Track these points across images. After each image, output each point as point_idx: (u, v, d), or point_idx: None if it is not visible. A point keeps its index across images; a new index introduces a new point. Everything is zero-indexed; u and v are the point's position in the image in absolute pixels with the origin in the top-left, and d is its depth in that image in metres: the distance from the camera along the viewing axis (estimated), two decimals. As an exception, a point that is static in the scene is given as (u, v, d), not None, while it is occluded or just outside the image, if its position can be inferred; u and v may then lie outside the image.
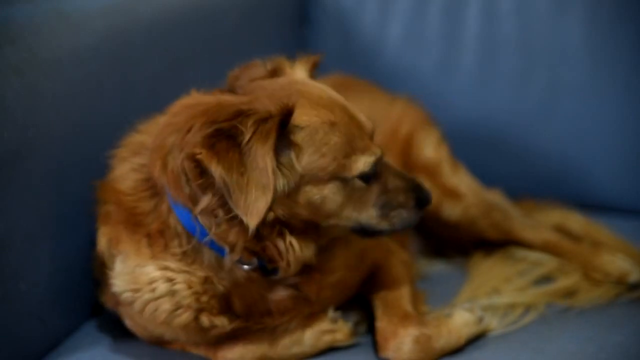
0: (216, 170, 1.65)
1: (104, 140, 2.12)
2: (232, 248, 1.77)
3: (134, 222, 1.87)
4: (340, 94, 2.27)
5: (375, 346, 1.96)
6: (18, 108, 1.90)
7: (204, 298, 1.84)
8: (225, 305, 1.86)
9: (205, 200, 1.72)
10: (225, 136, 1.67)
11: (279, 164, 1.71)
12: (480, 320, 2.02)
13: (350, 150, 1.78)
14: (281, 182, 1.71)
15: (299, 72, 1.93)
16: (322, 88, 1.85)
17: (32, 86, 1.94)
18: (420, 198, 1.90)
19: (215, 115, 1.73)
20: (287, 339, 1.93)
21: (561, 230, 2.47)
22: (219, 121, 1.70)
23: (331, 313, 1.98)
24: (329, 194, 1.78)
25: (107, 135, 2.12)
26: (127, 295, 1.87)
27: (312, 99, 1.79)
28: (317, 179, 1.76)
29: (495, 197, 2.45)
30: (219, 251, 1.80)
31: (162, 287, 1.84)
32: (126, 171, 1.90)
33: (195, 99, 1.84)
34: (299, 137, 1.74)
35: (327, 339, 1.97)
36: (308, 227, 1.81)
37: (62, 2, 2.12)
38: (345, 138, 1.77)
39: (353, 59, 2.88)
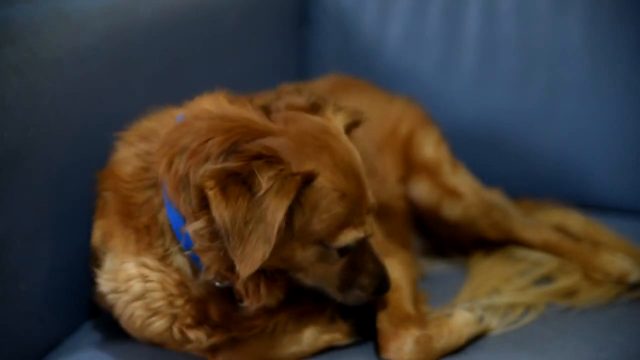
0: (222, 214, 1.63)
1: (104, 140, 2.12)
2: (208, 269, 1.76)
3: (127, 213, 1.85)
4: (340, 94, 2.26)
5: (375, 347, 1.96)
6: (18, 108, 1.90)
7: (179, 302, 1.83)
8: (202, 313, 1.85)
9: (199, 224, 1.70)
10: (240, 181, 1.65)
11: None
12: (480, 319, 2.02)
13: (345, 223, 1.75)
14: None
15: (337, 122, 1.86)
16: (348, 150, 1.80)
17: (32, 86, 1.94)
18: (380, 287, 1.88)
19: (237, 138, 1.71)
20: (286, 338, 1.93)
21: (561, 230, 2.46)
22: (239, 152, 1.68)
23: (330, 312, 1.98)
24: (309, 256, 1.78)
25: (107, 135, 2.12)
26: (110, 297, 1.87)
27: (334, 160, 1.75)
28: (304, 239, 1.75)
29: (495, 196, 2.45)
30: (198, 264, 1.79)
31: (136, 286, 1.83)
32: (129, 156, 1.88)
33: (222, 107, 1.80)
34: (307, 198, 1.71)
35: (326, 339, 1.96)
36: (277, 273, 1.81)
37: (62, 2, 2.12)
38: (347, 210, 1.75)
39: (353, 59, 2.88)
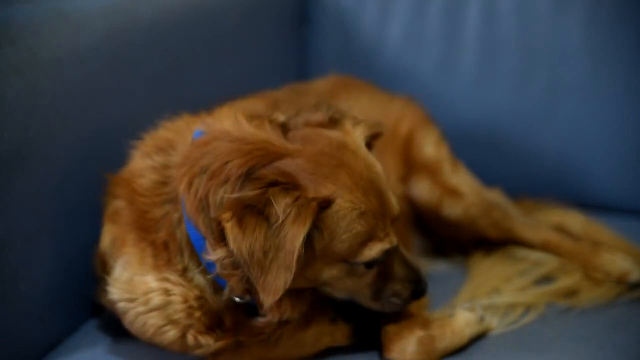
0: (239, 246, 1.64)
1: (104, 140, 2.13)
2: (232, 289, 1.78)
3: (142, 227, 1.85)
4: (340, 94, 2.26)
5: (376, 348, 1.96)
6: (18, 108, 1.90)
7: (197, 314, 1.84)
8: (215, 321, 1.86)
9: (220, 253, 1.71)
10: (256, 211, 1.65)
11: None
12: (481, 319, 2.02)
13: (367, 239, 1.76)
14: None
15: (356, 136, 1.85)
16: (367, 164, 1.79)
17: (32, 86, 1.94)
18: (417, 290, 1.89)
19: (256, 161, 1.71)
20: (287, 340, 1.93)
21: (561, 229, 2.46)
22: (256, 178, 1.68)
23: (331, 313, 1.98)
24: (335, 274, 1.79)
25: (107, 135, 2.12)
26: (121, 305, 1.87)
27: (353, 179, 1.74)
28: (327, 259, 1.75)
29: (495, 196, 2.45)
30: (221, 283, 1.80)
31: (157, 299, 1.84)
32: (145, 167, 1.88)
33: (241, 127, 1.79)
34: (326, 221, 1.71)
35: (326, 341, 1.96)
36: (303, 290, 1.81)
37: (62, 2, 2.12)
38: (368, 227, 1.75)
39: (353, 59, 2.88)
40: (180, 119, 1.96)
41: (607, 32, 2.61)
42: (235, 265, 1.71)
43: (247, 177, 1.70)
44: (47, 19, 2.04)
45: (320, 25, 2.92)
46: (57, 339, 2.06)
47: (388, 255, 1.82)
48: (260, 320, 1.86)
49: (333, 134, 1.82)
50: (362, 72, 2.72)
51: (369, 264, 1.80)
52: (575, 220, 2.52)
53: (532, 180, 2.73)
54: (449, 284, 2.28)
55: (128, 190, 1.88)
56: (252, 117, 1.83)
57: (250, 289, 1.76)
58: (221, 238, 1.70)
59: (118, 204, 1.90)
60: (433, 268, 2.39)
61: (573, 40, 2.63)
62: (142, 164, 1.89)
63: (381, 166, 1.84)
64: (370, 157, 1.83)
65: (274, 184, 1.68)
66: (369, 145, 1.89)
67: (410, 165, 2.42)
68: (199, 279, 1.83)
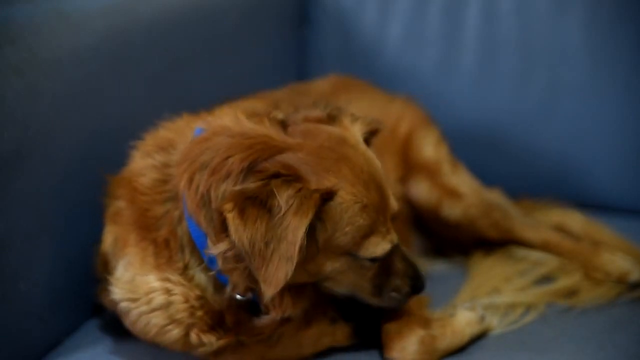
0: (241, 237, 1.64)
1: (104, 140, 2.13)
2: (235, 285, 1.78)
3: (144, 225, 1.85)
4: (340, 94, 2.26)
5: (376, 348, 1.96)
6: (18, 108, 1.90)
7: (199, 313, 1.84)
8: (217, 320, 1.86)
9: (222, 247, 1.71)
10: (258, 202, 1.65)
11: None
12: (482, 319, 2.02)
13: (370, 232, 1.76)
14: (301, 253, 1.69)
15: (355, 132, 1.86)
16: (367, 159, 1.80)
17: (32, 86, 1.94)
18: (416, 285, 1.89)
19: (257, 155, 1.71)
20: (288, 339, 1.93)
21: (561, 229, 2.46)
22: (258, 171, 1.69)
23: (331, 313, 1.98)
24: (338, 267, 1.79)
25: (107, 135, 2.12)
26: (124, 305, 1.87)
27: (354, 172, 1.75)
28: (330, 252, 1.76)
29: (495, 196, 2.45)
30: (223, 280, 1.80)
31: (159, 298, 1.84)
32: (146, 167, 1.88)
33: (241, 123, 1.80)
34: (329, 213, 1.71)
35: (327, 341, 1.97)
36: (304, 285, 1.81)
37: (62, 2, 2.12)
38: (370, 220, 1.75)
39: (353, 59, 2.88)
40: (180, 118, 1.96)
41: (607, 32, 2.61)
42: (238, 258, 1.71)
43: (249, 171, 1.70)
44: (47, 19, 2.04)
45: (320, 25, 2.92)
46: (57, 339, 2.06)
47: (390, 250, 1.83)
48: (262, 320, 1.86)
49: (332, 129, 1.82)
50: (362, 72, 2.72)
51: (373, 259, 1.80)
52: (575, 220, 2.52)
53: (532, 180, 2.73)
54: (449, 283, 2.28)
55: (129, 189, 1.88)
56: (251, 115, 1.83)
57: (252, 285, 1.76)
58: (223, 230, 1.70)
59: (119, 205, 1.90)
60: (433, 268, 2.39)
61: (573, 40, 2.63)
62: (142, 163, 1.89)
63: (380, 165, 1.84)
64: (369, 152, 1.84)
65: (276, 175, 1.68)
66: (367, 141, 1.89)
67: (410, 165, 2.42)
68: (200, 277, 1.83)
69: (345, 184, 1.72)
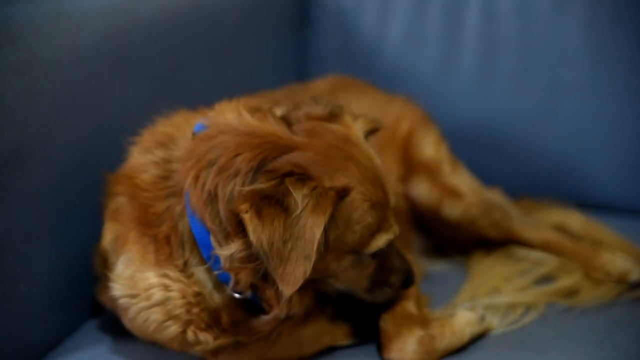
0: (259, 237, 1.64)
1: (104, 140, 2.12)
2: (238, 282, 1.77)
3: (145, 222, 1.85)
4: (339, 94, 2.26)
5: (375, 347, 1.96)
6: (18, 108, 1.90)
7: (195, 310, 1.84)
8: (214, 319, 1.86)
9: (233, 248, 1.71)
10: (274, 201, 1.65)
11: None
12: (482, 319, 2.02)
13: (376, 230, 1.78)
14: None
15: (357, 129, 1.87)
16: (370, 157, 1.82)
17: (32, 86, 1.94)
18: (407, 280, 1.91)
19: (266, 154, 1.71)
20: (287, 339, 1.93)
21: (561, 229, 2.46)
22: (270, 170, 1.68)
23: (330, 312, 1.98)
24: (343, 265, 1.80)
25: (107, 135, 2.12)
26: (124, 301, 1.87)
27: (361, 170, 1.76)
28: (338, 251, 1.76)
29: (495, 196, 2.45)
30: (223, 278, 1.80)
31: (157, 294, 1.83)
32: (147, 162, 1.87)
33: (245, 120, 1.79)
34: (340, 212, 1.71)
35: (326, 340, 1.96)
36: (308, 281, 1.79)
37: (62, 2, 2.12)
38: (378, 218, 1.77)
39: (353, 59, 2.88)
40: (178, 114, 1.96)
41: (607, 32, 2.61)
42: (250, 258, 1.70)
43: (258, 170, 1.70)
44: (47, 19, 2.04)
45: (320, 25, 2.92)
46: (57, 338, 2.06)
47: (388, 246, 1.84)
48: (260, 320, 1.86)
49: (336, 127, 1.83)
50: (362, 72, 2.72)
51: (374, 255, 1.81)
52: (575, 220, 2.52)
53: (532, 180, 2.73)
54: (449, 283, 2.28)
55: (130, 186, 1.87)
56: (253, 110, 1.83)
57: (256, 284, 1.76)
58: (237, 230, 1.69)
59: (119, 201, 1.90)
60: (433, 268, 2.39)
61: (573, 40, 2.63)
62: (142, 159, 1.88)
63: (380, 162, 1.86)
64: (371, 150, 1.85)
65: (289, 174, 1.68)
66: (367, 139, 1.90)
67: (410, 165, 2.42)
68: (199, 274, 1.83)
69: (355, 182, 1.73)
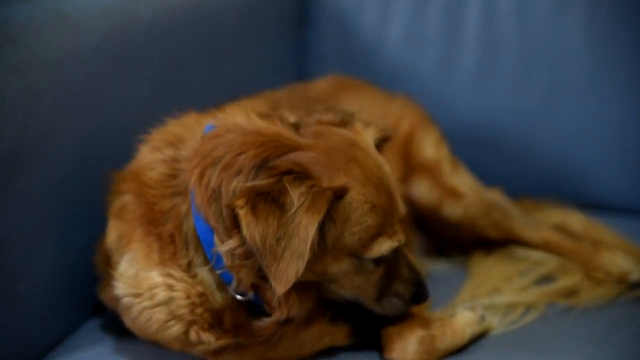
0: (252, 233, 1.65)
1: (104, 140, 2.13)
2: (240, 282, 1.78)
3: (150, 220, 1.85)
4: (340, 94, 2.26)
5: (376, 348, 1.96)
6: (18, 108, 1.90)
7: (199, 310, 1.84)
8: (217, 320, 1.86)
9: (232, 244, 1.71)
10: (270, 198, 1.65)
11: None
12: (482, 319, 2.02)
13: (377, 234, 1.76)
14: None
15: (366, 137, 1.87)
16: (377, 163, 1.81)
17: (32, 86, 1.94)
18: (418, 294, 1.89)
19: (269, 152, 1.72)
20: (288, 339, 1.92)
21: (561, 229, 2.46)
22: (270, 167, 1.69)
23: (331, 313, 1.98)
24: (343, 268, 1.79)
25: (107, 135, 2.12)
26: (127, 300, 1.87)
27: (365, 173, 1.75)
28: (336, 252, 1.76)
29: (496, 196, 2.45)
30: (226, 278, 1.80)
31: (161, 294, 1.83)
32: (155, 161, 1.88)
33: (253, 123, 1.80)
34: (338, 212, 1.71)
35: (327, 340, 1.96)
36: (308, 284, 1.81)
37: (62, 2, 2.12)
38: (379, 221, 1.76)
39: (353, 59, 2.88)
40: (188, 115, 1.97)
41: (607, 32, 2.61)
42: (247, 255, 1.71)
43: (260, 167, 1.71)
44: (47, 19, 2.04)
45: (320, 25, 2.92)
46: (57, 338, 2.06)
47: (395, 254, 1.83)
48: (262, 322, 1.86)
49: (344, 131, 1.84)
50: (362, 72, 2.73)
51: (377, 261, 1.80)
52: (575, 220, 2.52)
53: (532, 180, 2.73)
54: (450, 283, 2.28)
55: (136, 183, 1.88)
56: (263, 115, 1.83)
57: (258, 283, 1.76)
58: (233, 226, 1.70)
59: (125, 199, 1.90)
60: (433, 268, 2.39)
61: (573, 40, 2.63)
62: (151, 157, 1.89)
63: (390, 171, 1.84)
64: (380, 157, 1.85)
65: (288, 172, 1.68)
66: (378, 148, 1.90)
67: (410, 165, 2.42)
68: (203, 274, 1.83)
69: (356, 183, 1.73)
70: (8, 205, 1.89)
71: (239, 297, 1.82)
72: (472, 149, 2.70)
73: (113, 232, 1.91)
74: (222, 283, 1.82)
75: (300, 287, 1.78)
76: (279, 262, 1.65)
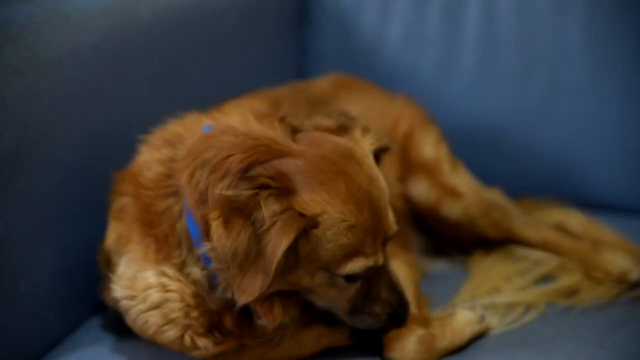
0: (223, 246, 1.65)
1: (104, 140, 2.13)
2: (226, 288, 1.78)
3: (147, 222, 1.85)
4: (340, 93, 2.24)
5: (375, 348, 1.96)
6: (18, 108, 1.90)
7: (194, 314, 1.84)
8: (214, 323, 1.85)
9: (208, 247, 1.71)
10: (244, 214, 1.65)
11: None
12: (482, 319, 2.02)
13: (353, 253, 1.74)
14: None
15: (364, 145, 1.84)
16: (369, 177, 1.77)
17: (32, 86, 1.94)
18: (397, 316, 1.87)
19: (257, 157, 1.71)
20: (288, 340, 1.92)
21: (561, 229, 2.46)
22: (251, 177, 1.68)
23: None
24: (316, 281, 1.78)
25: (107, 135, 2.12)
26: (124, 303, 1.87)
27: (350, 189, 1.72)
28: (309, 266, 1.74)
29: (495, 196, 2.45)
30: (215, 279, 1.80)
31: (155, 296, 1.83)
32: (152, 161, 1.88)
33: (248, 125, 1.80)
34: (312, 230, 1.70)
35: (327, 341, 1.96)
36: (291, 293, 1.81)
37: (62, 2, 2.12)
38: (355, 241, 1.73)
39: (353, 59, 2.88)
40: (190, 115, 1.97)
41: (607, 32, 2.61)
42: (220, 261, 1.71)
43: (245, 173, 1.70)
44: (47, 19, 2.04)
45: (320, 25, 2.92)
46: (57, 338, 2.06)
47: (374, 274, 1.81)
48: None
49: (341, 141, 1.81)
50: (362, 72, 2.72)
51: (350, 278, 1.78)
52: (575, 219, 2.52)
53: (532, 180, 2.73)
54: (450, 283, 2.28)
55: (134, 185, 1.88)
56: (263, 117, 1.83)
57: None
58: (206, 235, 1.70)
59: (124, 201, 1.90)
60: (433, 268, 2.39)
61: (573, 40, 2.63)
62: (150, 157, 1.90)
63: (386, 185, 1.82)
64: (375, 171, 1.81)
65: (266, 187, 1.67)
66: (377, 157, 1.88)
67: (410, 165, 2.42)
68: (197, 274, 1.83)
69: (336, 200, 1.71)
70: (8, 205, 1.89)
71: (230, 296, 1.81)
72: (472, 149, 2.70)
73: (112, 234, 1.91)
74: (215, 283, 1.81)
75: (284, 297, 1.78)
76: (245, 276, 1.66)
